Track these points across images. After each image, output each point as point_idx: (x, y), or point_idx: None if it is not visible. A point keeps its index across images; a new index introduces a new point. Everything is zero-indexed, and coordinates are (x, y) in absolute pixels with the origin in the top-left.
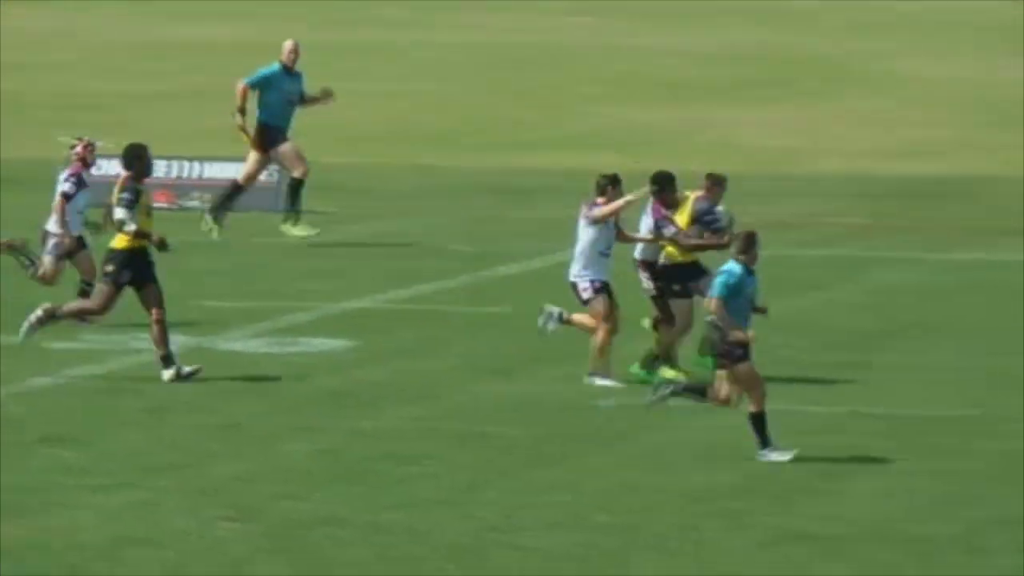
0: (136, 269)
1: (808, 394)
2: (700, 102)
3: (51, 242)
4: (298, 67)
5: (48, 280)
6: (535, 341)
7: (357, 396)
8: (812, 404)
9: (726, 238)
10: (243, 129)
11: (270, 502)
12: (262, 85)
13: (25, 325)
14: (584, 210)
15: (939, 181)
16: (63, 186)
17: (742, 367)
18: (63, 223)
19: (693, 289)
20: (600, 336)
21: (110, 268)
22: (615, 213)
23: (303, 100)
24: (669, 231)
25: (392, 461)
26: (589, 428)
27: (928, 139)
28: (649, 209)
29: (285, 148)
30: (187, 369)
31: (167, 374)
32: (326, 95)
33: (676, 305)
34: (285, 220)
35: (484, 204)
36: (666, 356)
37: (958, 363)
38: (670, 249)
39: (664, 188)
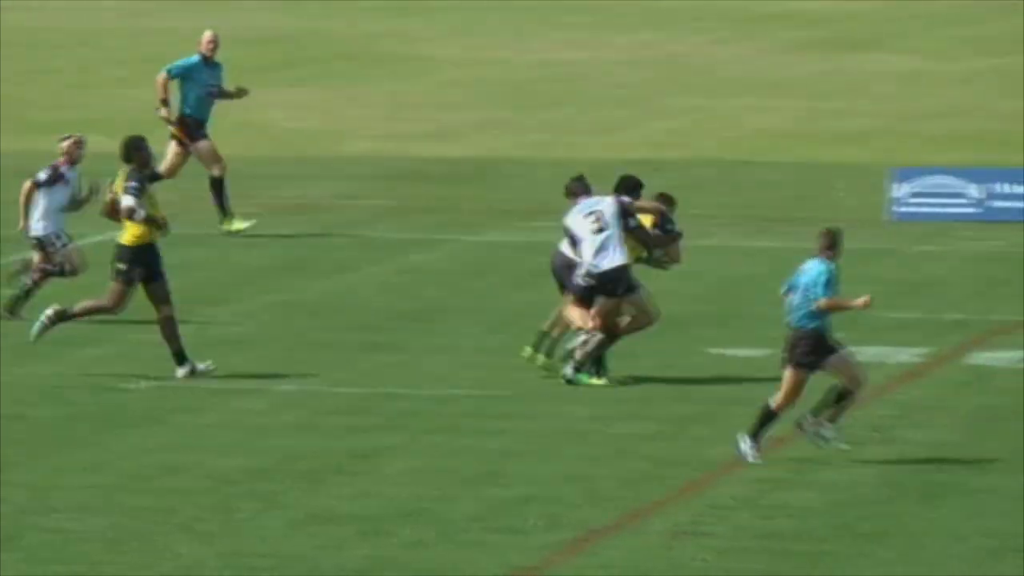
0: (146, 265)
1: (338, 375)
2: (226, 84)
3: (58, 242)
4: (217, 58)
5: (78, 269)
6: (67, 324)
7: None
8: (343, 385)
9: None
10: (169, 121)
11: None
12: (182, 76)
13: (37, 325)
14: (620, 203)
15: (464, 163)
16: (38, 175)
17: (835, 357)
18: (24, 210)
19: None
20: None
21: (122, 266)
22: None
23: (220, 93)
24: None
25: None
26: (119, 410)
27: (453, 121)
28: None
29: (203, 145)
30: (201, 366)
31: (181, 372)
32: (240, 92)
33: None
34: (221, 221)
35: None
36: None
37: (484, 343)
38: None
39: (635, 191)
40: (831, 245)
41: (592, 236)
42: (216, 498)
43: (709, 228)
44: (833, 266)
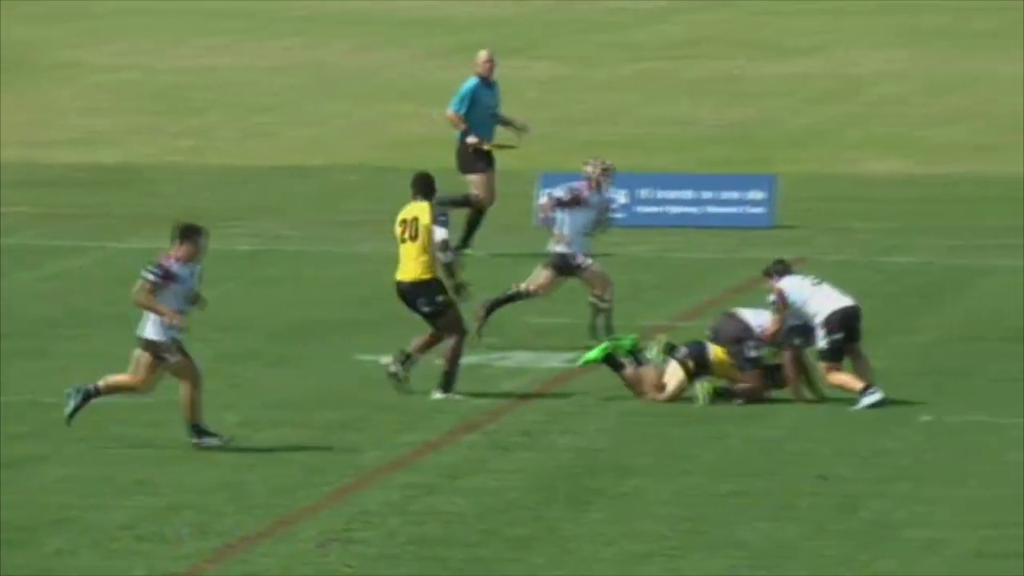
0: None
1: None
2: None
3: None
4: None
5: (540, 292)
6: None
7: None
8: None
9: None
10: (495, 145)
11: None
12: (468, 105)
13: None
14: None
15: (112, 169)
16: (556, 191)
17: None
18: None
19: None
20: None
21: (441, 298)
22: None
23: (501, 119)
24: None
25: None
26: None
27: (100, 127)
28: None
29: (477, 179)
30: (459, 396)
31: (438, 395)
32: (523, 129)
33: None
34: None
35: None
36: None
37: (134, 351)
38: None
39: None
40: None
41: (817, 287)
42: None
43: (356, 235)
44: None
